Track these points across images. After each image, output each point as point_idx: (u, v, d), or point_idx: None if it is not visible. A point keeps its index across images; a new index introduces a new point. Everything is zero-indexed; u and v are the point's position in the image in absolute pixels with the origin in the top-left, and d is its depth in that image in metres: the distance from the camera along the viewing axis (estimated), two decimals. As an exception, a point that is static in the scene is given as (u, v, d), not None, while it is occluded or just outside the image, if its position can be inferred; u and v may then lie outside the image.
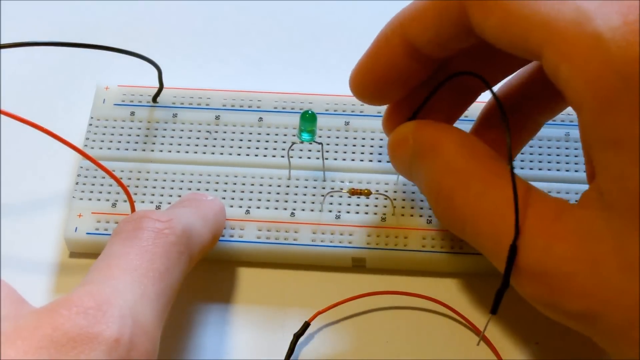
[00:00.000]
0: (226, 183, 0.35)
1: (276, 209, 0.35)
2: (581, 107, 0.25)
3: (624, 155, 0.24)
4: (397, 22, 0.29)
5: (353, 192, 0.34)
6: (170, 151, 0.36)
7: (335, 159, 0.36)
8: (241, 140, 0.36)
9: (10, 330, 0.24)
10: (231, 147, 0.36)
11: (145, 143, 0.36)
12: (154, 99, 0.37)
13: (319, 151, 0.36)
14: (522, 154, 0.35)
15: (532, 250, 0.27)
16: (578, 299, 0.26)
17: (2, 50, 0.31)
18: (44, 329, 0.24)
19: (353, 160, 0.36)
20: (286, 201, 0.35)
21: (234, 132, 0.36)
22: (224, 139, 0.36)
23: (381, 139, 0.36)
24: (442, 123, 0.31)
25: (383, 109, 0.36)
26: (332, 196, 0.35)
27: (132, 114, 0.37)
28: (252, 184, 0.35)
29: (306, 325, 0.32)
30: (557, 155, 0.35)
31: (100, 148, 0.36)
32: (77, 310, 0.25)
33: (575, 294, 0.26)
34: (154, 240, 0.29)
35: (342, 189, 0.35)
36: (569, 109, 0.34)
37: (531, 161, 0.35)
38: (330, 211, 0.34)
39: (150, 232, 0.29)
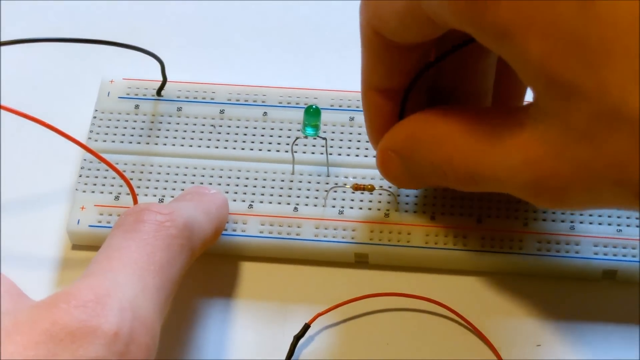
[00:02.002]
0: (229, 177, 0.35)
1: (279, 203, 0.35)
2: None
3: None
4: (365, 21, 0.29)
5: (356, 188, 0.34)
6: (174, 145, 0.36)
7: (339, 154, 0.36)
8: (245, 134, 0.36)
9: (10, 325, 0.24)
10: (235, 141, 0.36)
11: (149, 136, 0.36)
12: (158, 92, 0.37)
13: (323, 146, 0.35)
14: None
15: (518, 170, 0.27)
16: (571, 191, 0.26)
17: (7, 46, 0.31)
18: (42, 324, 0.24)
19: (357, 155, 0.36)
20: (289, 196, 0.35)
21: (238, 127, 0.36)
22: (228, 133, 0.36)
23: (385, 135, 0.36)
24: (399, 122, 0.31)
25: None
26: (335, 191, 0.35)
27: (137, 107, 0.37)
28: (256, 179, 0.35)
29: (306, 327, 0.32)
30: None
31: (105, 141, 0.36)
32: (76, 303, 0.25)
33: (568, 186, 0.26)
34: (154, 233, 0.29)
35: (345, 184, 0.35)
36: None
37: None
38: (333, 206, 0.34)
39: (151, 224, 0.29)
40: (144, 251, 0.28)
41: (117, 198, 0.35)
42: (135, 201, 0.32)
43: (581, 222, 0.34)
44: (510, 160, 0.27)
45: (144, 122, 0.37)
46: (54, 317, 0.25)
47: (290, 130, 0.36)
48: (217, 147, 0.36)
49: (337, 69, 0.39)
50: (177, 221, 0.29)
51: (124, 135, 0.36)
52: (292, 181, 0.35)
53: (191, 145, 0.36)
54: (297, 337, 0.32)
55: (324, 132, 0.36)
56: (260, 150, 0.36)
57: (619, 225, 0.34)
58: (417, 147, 0.30)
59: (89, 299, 0.25)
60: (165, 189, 0.35)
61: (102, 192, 0.35)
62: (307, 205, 0.35)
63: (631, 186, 0.24)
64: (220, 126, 0.36)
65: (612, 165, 0.24)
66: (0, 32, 0.40)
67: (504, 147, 0.27)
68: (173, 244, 0.29)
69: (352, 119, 0.36)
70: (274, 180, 0.35)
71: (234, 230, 0.34)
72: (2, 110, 0.29)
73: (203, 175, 0.35)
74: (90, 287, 0.26)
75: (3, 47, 0.32)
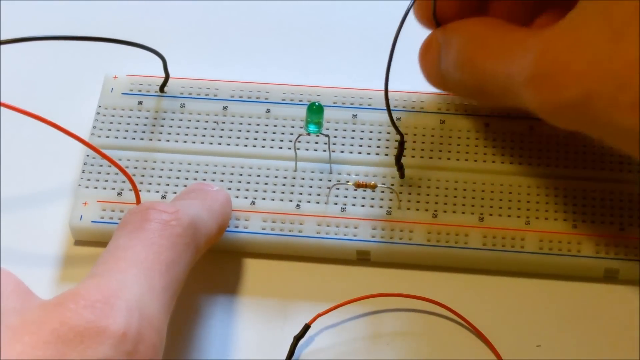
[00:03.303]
0: (232, 174, 0.35)
1: (282, 200, 0.35)
2: None
3: None
4: None
5: (359, 185, 0.34)
6: (177, 141, 0.36)
7: (342, 152, 0.36)
8: (248, 131, 0.36)
9: (18, 325, 0.24)
10: (238, 138, 0.36)
11: (152, 132, 0.36)
12: (161, 88, 0.37)
13: (325, 143, 0.35)
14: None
15: (530, 58, 0.29)
16: (575, 84, 0.27)
17: (9, 44, 0.31)
18: (51, 324, 0.24)
19: (360, 153, 0.36)
20: (292, 193, 0.35)
21: (241, 123, 0.36)
22: (231, 130, 0.36)
23: (388, 133, 0.36)
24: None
25: (390, 102, 0.36)
26: (337, 189, 0.35)
27: (140, 103, 0.37)
28: (258, 175, 0.35)
29: (306, 328, 0.32)
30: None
31: (108, 137, 0.36)
32: (85, 304, 0.25)
33: (573, 80, 0.28)
34: (160, 232, 0.29)
35: (347, 181, 0.35)
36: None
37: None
38: (335, 204, 0.34)
39: (156, 224, 0.29)
40: (150, 251, 0.28)
41: (119, 194, 0.35)
42: (137, 197, 0.32)
43: (583, 221, 0.34)
44: (528, 53, 0.29)
45: (147, 118, 0.37)
46: (62, 317, 0.25)
47: (293, 127, 0.36)
48: (219, 144, 0.36)
49: (340, 66, 0.39)
50: (182, 220, 0.29)
51: (127, 131, 0.36)
52: (294, 178, 0.35)
53: (194, 142, 0.36)
54: (297, 338, 0.32)
55: (327, 129, 0.36)
56: (262, 147, 0.36)
57: (621, 224, 0.34)
58: (454, 39, 0.33)
59: (97, 299, 0.25)
60: (167, 185, 0.35)
61: (104, 188, 0.35)
62: (309, 202, 0.35)
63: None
64: (223, 123, 0.36)
65: (630, 66, 0.26)
66: (0, 31, 0.40)
67: (526, 43, 0.30)
68: (178, 243, 0.29)
69: (355, 116, 0.36)
70: (276, 177, 0.35)
71: (236, 227, 0.34)
72: (5, 108, 0.29)
73: (206, 172, 0.35)
74: (98, 288, 0.26)
75: (5, 46, 0.32)
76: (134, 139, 0.36)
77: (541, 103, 0.29)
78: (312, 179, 0.35)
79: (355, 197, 0.34)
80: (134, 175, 0.35)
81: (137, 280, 0.27)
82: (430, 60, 0.34)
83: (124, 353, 0.25)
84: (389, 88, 0.36)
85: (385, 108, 0.36)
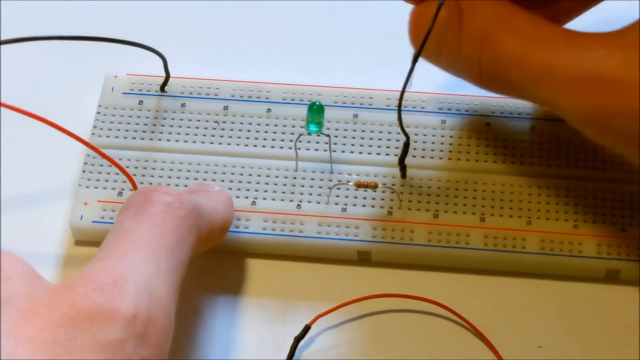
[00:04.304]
0: (233, 174, 0.35)
1: (282, 200, 0.35)
2: None
3: None
4: None
5: (359, 185, 0.34)
6: (177, 141, 0.36)
7: (343, 152, 0.36)
8: (249, 131, 0.36)
9: (27, 308, 0.24)
10: (239, 137, 0.36)
11: (153, 132, 0.36)
12: (162, 88, 0.37)
13: (326, 143, 0.35)
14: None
15: (593, 58, 0.28)
16: None
17: (10, 45, 0.31)
18: (61, 307, 0.24)
19: (360, 153, 0.35)
20: (292, 193, 0.35)
21: (242, 123, 0.36)
22: (231, 130, 0.36)
23: (389, 132, 0.36)
24: None
25: (392, 102, 0.36)
26: (338, 189, 0.35)
27: (141, 102, 0.37)
28: (259, 175, 0.35)
29: (307, 329, 0.32)
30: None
31: (108, 136, 0.36)
32: (94, 287, 0.25)
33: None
34: (164, 215, 0.29)
35: (348, 181, 0.35)
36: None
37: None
38: (336, 204, 0.34)
39: (160, 205, 0.29)
40: (154, 233, 0.28)
41: (120, 194, 0.35)
42: (138, 197, 0.32)
43: (585, 221, 0.34)
44: (587, 52, 0.28)
45: (147, 117, 0.36)
46: (72, 300, 0.25)
47: (293, 127, 0.36)
48: (220, 144, 0.36)
49: (341, 65, 0.39)
50: (186, 203, 0.29)
51: (127, 131, 0.36)
52: (295, 178, 0.35)
53: (194, 142, 0.36)
54: (298, 339, 0.32)
55: (328, 129, 0.36)
56: (263, 146, 0.36)
57: (622, 224, 0.34)
58: (478, 9, 0.30)
59: (106, 282, 0.25)
60: (168, 184, 0.35)
61: (105, 188, 0.35)
62: (310, 202, 0.34)
63: None
64: (224, 122, 0.36)
65: None
66: (0, 31, 0.40)
67: (580, 40, 0.28)
68: (182, 226, 0.29)
69: (355, 116, 0.36)
70: (277, 177, 0.35)
71: (237, 227, 0.34)
72: (5, 108, 0.29)
73: (206, 172, 0.35)
74: (106, 271, 0.26)
75: (5, 46, 0.31)
76: (134, 138, 0.36)
77: (594, 108, 0.28)
78: (312, 179, 0.35)
79: (356, 197, 0.34)
80: (135, 175, 0.35)
81: (145, 263, 0.27)
82: (425, 28, 0.31)
83: (134, 335, 0.25)
84: (389, 88, 0.37)
85: (385, 107, 0.36)
